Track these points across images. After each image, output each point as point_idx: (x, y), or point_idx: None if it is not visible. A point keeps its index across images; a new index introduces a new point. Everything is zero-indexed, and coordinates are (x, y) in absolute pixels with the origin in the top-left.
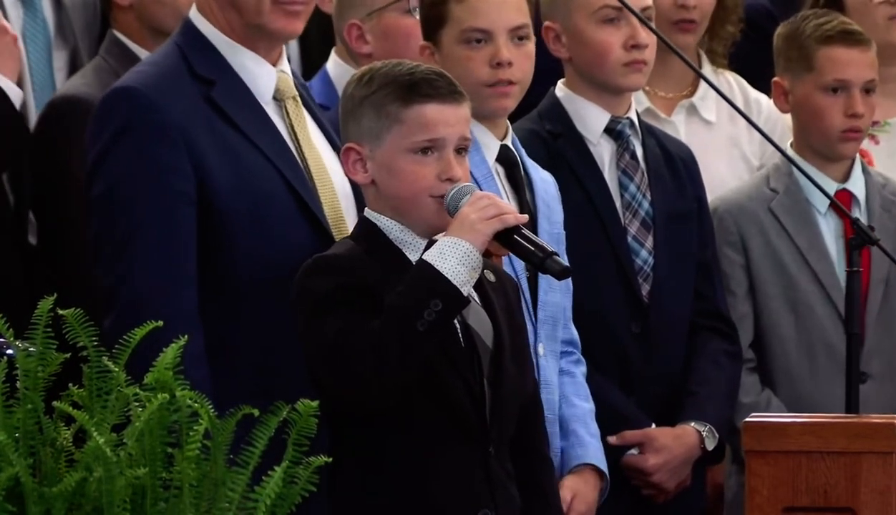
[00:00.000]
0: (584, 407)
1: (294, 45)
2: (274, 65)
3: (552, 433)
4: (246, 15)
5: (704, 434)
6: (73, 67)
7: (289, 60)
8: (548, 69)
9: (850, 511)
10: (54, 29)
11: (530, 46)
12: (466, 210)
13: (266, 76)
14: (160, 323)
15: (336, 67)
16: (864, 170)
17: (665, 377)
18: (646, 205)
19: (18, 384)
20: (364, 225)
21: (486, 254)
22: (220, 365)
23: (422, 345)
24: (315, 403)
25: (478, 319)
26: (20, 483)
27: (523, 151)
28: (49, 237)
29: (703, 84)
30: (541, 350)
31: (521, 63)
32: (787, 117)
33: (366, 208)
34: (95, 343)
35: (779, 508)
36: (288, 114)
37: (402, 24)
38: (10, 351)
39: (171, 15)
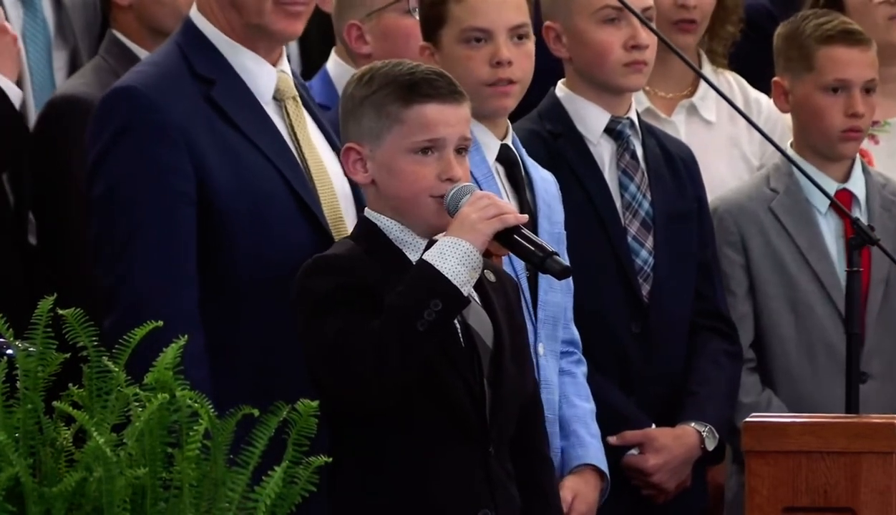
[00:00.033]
0: (584, 407)
1: (294, 45)
2: (274, 65)
3: (552, 433)
4: (246, 15)
5: (704, 434)
6: (73, 67)
7: (288, 60)
8: (548, 69)
9: (850, 511)
10: (54, 29)
11: (530, 45)
12: (466, 210)
13: (266, 76)
14: (160, 323)
15: (336, 67)
16: (865, 170)
17: (665, 377)
18: (646, 205)
19: (18, 384)
20: (364, 225)
21: (486, 254)
22: (220, 365)
23: (422, 345)
24: (315, 403)
25: (478, 319)
26: (20, 483)
27: (524, 151)
28: (49, 237)
29: (703, 84)
30: (541, 350)
31: (521, 62)
32: (787, 117)
33: (366, 208)
34: (95, 343)
35: (779, 508)
36: (288, 114)
37: (401, 24)
38: (10, 351)
39: (171, 15)
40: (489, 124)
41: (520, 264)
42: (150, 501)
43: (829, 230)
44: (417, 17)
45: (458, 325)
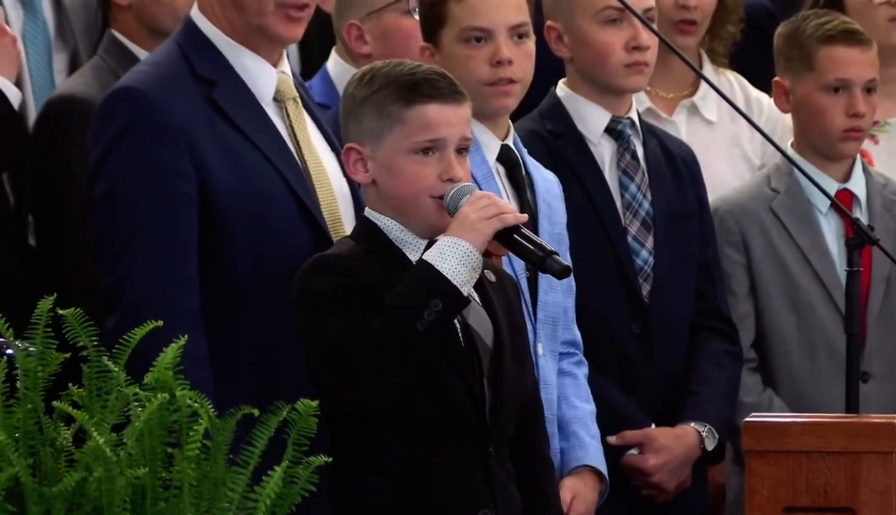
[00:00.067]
0: (584, 408)
1: (294, 44)
2: (275, 66)
3: (551, 433)
4: (247, 15)
5: (704, 434)
6: (73, 69)
7: (288, 59)
8: (549, 69)
9: (850, 511)
10: (54, 30)
11: (530, 45)
12: (466, 210)
13: (267, 77)
14: (160, 323)
15: (336, 67)
16: (865, 170)
17: (665, 377)
18: (646, 205)
19: (18, 384)
20: (364, 224)
21: (486, 254)
22: (220, 366)
23: (422, 345)
24: (315, 403)
25: (478, 319)
26: (20, 483)
27: (525, 151)
28: (49, 237)
29: (703, 84)
30: (540, 350)
31: (522, 61)
32: (788, 117)
33: (366, 208)
34: (95, 343)
35: (779, 508)
36: (288, 115)
37: (401, 24)
38: (10, 351)
39: (170, 15)
40: (490, 124)
41: (520, 264)
42: (150, 501)
43: (830, 230)
44: (417, 17)
45: (458, 325)
